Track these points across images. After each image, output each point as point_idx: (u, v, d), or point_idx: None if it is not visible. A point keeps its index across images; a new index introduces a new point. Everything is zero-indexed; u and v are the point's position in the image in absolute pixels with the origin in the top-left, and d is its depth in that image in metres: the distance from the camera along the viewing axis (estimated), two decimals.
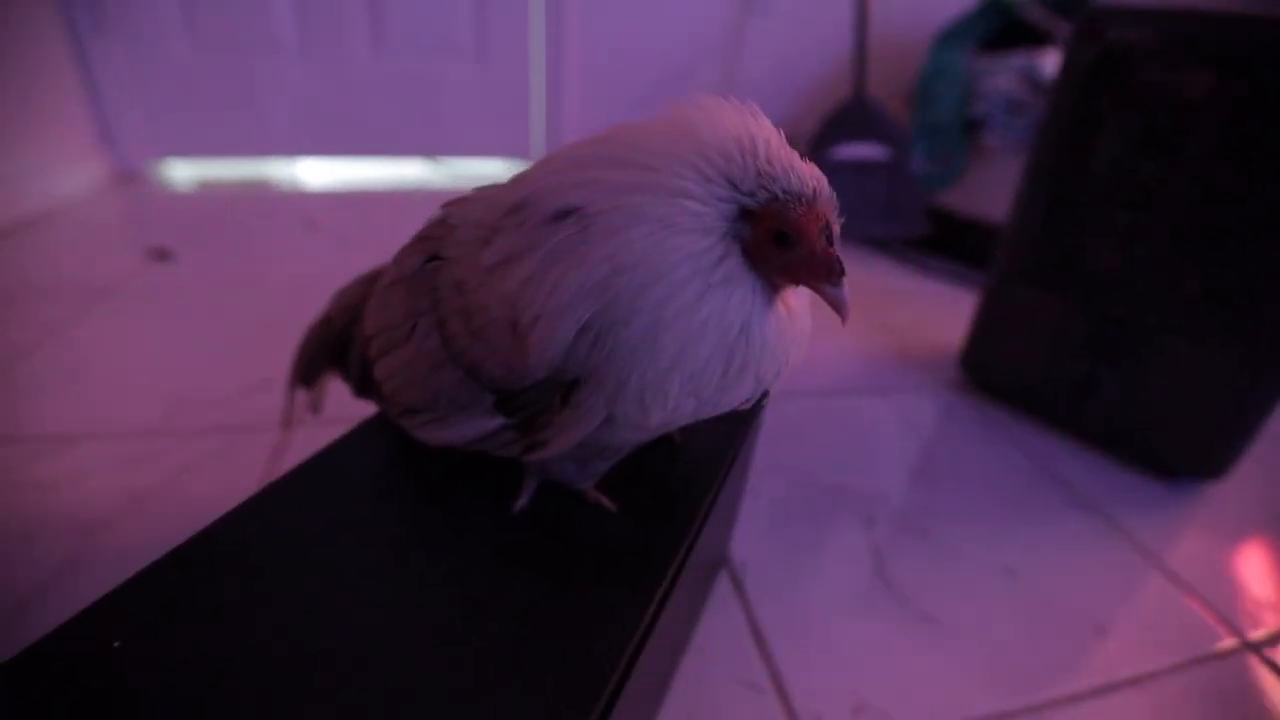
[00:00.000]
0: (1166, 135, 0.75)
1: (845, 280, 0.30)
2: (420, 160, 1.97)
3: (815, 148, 1.53)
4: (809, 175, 0.30)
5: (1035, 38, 1.50)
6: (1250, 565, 0.72)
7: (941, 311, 1.27)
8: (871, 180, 1.51)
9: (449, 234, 0.36)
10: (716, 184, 0.29)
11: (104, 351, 0.96)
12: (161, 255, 1.29)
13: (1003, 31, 1.58)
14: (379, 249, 0.54)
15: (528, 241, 0.31)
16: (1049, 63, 1.39)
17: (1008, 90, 1.47)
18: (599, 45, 1.84)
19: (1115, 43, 0.77)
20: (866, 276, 1.44)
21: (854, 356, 1.08)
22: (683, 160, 0.30)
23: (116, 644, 0.29)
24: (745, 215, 0.30)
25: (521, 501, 0.38)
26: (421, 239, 0.39)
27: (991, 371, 0.98)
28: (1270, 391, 0.73)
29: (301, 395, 0.59)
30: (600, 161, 0.31)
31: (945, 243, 1.52)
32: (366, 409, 0.48)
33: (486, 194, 0.36)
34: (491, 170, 1.99)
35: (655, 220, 0.29)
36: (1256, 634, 0.63)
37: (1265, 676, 0.59)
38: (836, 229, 0.31)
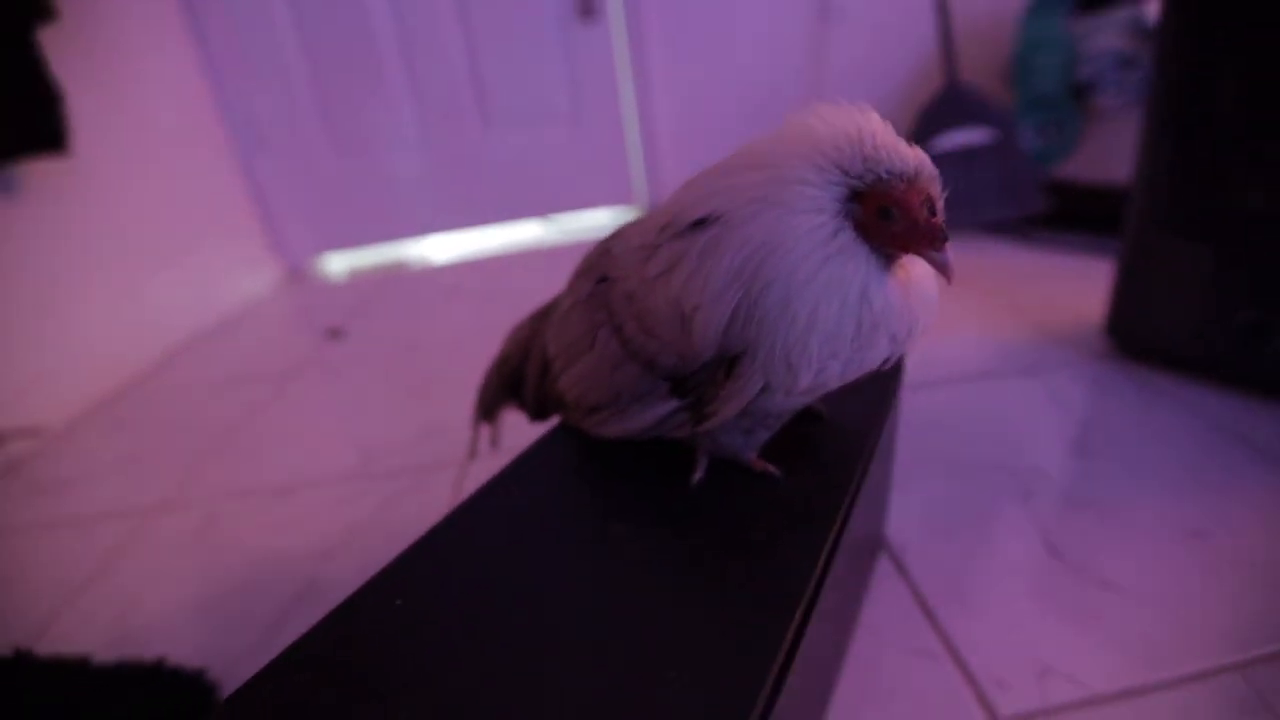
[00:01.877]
0: None
1: (949, 246, 0.34)
2: (535, 221, 2.14)
3: (915, 143, 1.51)
4: (910, 156, 0.34)
5: None
6: None
7: (1076, 285, 1.21)
8: (979, 165, 1.47)
9: (612, 259, 0.43)
10: (829, 171, 0.34)
11: (303, 416, 1.13)
12: (335, 334, 1.49)
13: None
14: (510, 303, 0.62)
15: (681, 249, 0.37)
16: (1156, 9, 1.31)
17: (1116, 46, 1.40)
18: (685, 85, 1.93)
19: None
20: (990, 262, 1.40)
21: (989, 341, 1.05)
22: (799, 155, 0.35)
23: (399, 601, 0.37)
24: (856, 196, 0.35)
25: (698, 475, 0.43)
26: (588, 268, 0.46)
27: (1142, 336, 0.92)
28: None
29: (484, 429, 0.68)
30: (729, 172, 0.37)
31: (1072, 215, 1.44)
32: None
33: (639, 223, 0.43)
34: (600, 220, 2.13)
35: (778, 206, 0.34)
36: None
37: None
38: (940, 202, 0.35)
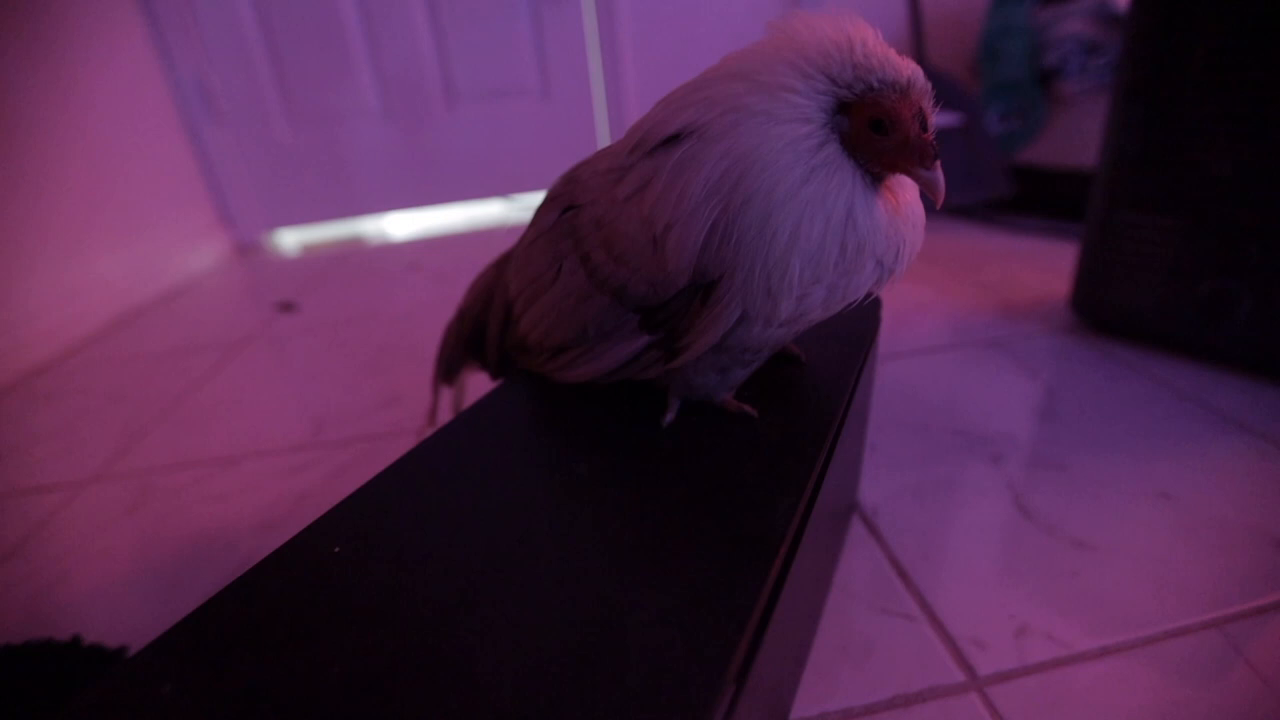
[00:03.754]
0: (1269, 16, 0.71)
1: (939, 165, 0.32)
2: (500, 199, 2.09)
3: None
4: (903, 66, 0.32)
5: None
6: None
7: (1041, 266, 1.22)
8: (946, 148, 1.47)
9: (579, 185, 0.40)
10: (815, 79, 0.32)
11: (251, 388, 1.07)
12: (287, 307, 1.42)
13: None
14: (470, 279, 0.59)
15: (654, 166, 0.34)
16: None
17: (1081, 33, 1.41)
18: (655, 62, 1.90)
19: None
20: (956, 243, 1.41)
21: (956, 317, 1.05)
22: (783, 62, 0.32)
23: (337, 549, 0.33)
24: (844, 109, 0.32)
25: (670, 416, 0.40)
26: (553, 197, 0.43)
27: (1107, 309, 0.93)
28: None
29: (445, 394, 0.65)
30: (706, 84, 0.34)
31: (1036, 199, 1.46)
32: None
33: (608, 149, 0.40)
34: None
35: (759, 114, 0.31)
36: None
37: None
38: (931, 117, 0.33)
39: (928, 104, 0.33)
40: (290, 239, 2.07)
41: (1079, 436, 0.73)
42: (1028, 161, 1.51)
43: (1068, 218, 1.32)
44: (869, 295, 0.35)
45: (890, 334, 0.99)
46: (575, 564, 0.31)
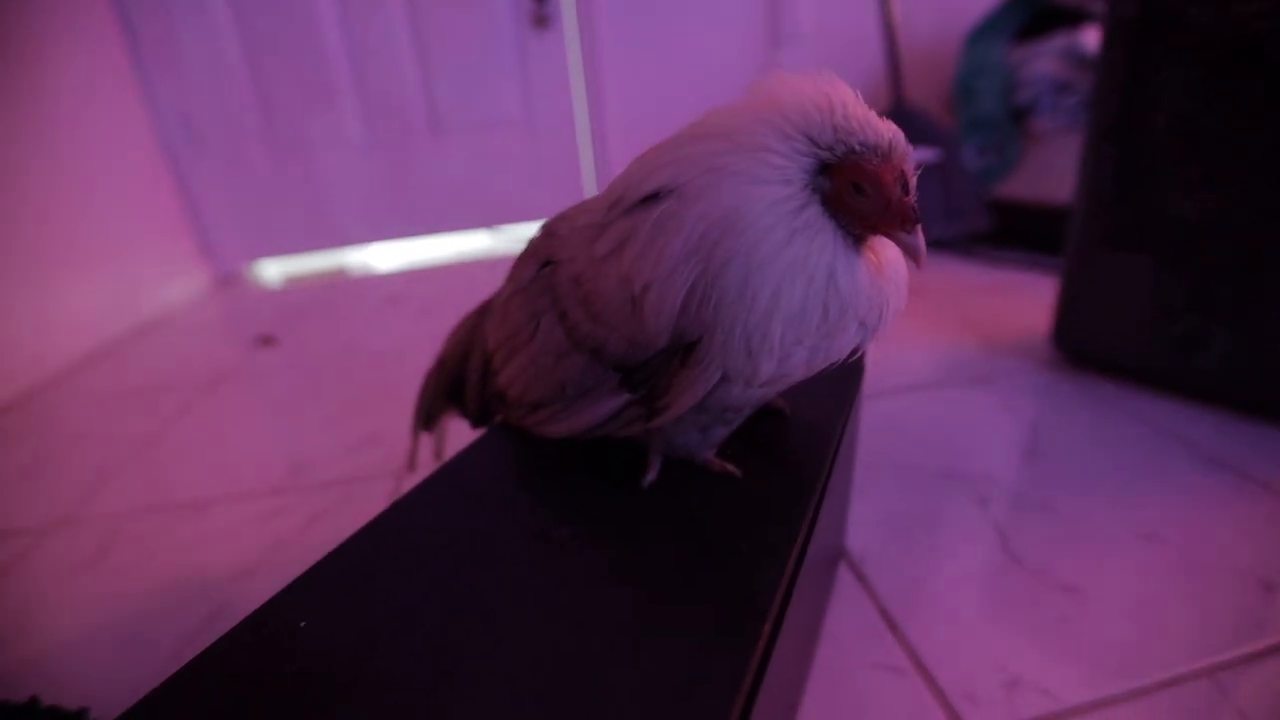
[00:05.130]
0: (1229, 73, 0.73)
1: (920, 229, 0.32)
2: (484, 230, 2.09)
3: None
4: (884, 129, 0.32)
5: (1072, 18, 1.49)
6: None
7: (1022, 299, 1.23)
8: (925, 183, 1.49)
9: (556, 241, 0.40)
10: (796, 140, 0.31)
11: (226, 427, 1.05)
12: (266, 341, 1.40)
13: (1037, 19, 1.58)
14: (456, 314, 0.58)
15: (631, 225, 0.34)
16: (1091, 38, 1.38)
17: (1052, 73, 1.46)
18: (638, 99, 1.93)
19: None
20: (938, 277, 1.42)
21: (939, 353, 1.06)
22: (764, 122, 0.32)
23: (303, 623, 0.32)
24: (825, 169, 0.32)
25: (651, 476, 0.39)
26: (531, 253, 0.42)
27: (1086, 345, 0.94)
28: None
29: (425, 439, 0.63)
30: (685, 141, 0.34)
31: (1012, 232, 1.49)
32: None
33: (586, 204, 0.39)
34: None
35: (740, 175, 0.31)
36: None
37: None
38: (913, 180, 0.33)
39: (909, 167, 0.32)
40: (272, 270, 2.05)
41: (1064, 476, 0.73)
42: (1004, 196, 1.54)
43: (1045, 251, 1.35)
44: (853, 354, 0.35)
45: (877, 370, 0.99)
46: (555, 635, 0.30)
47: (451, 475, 0.43)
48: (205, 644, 0.56)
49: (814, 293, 0.32)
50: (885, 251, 0.35)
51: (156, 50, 1.72)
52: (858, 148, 0.31)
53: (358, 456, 0.90)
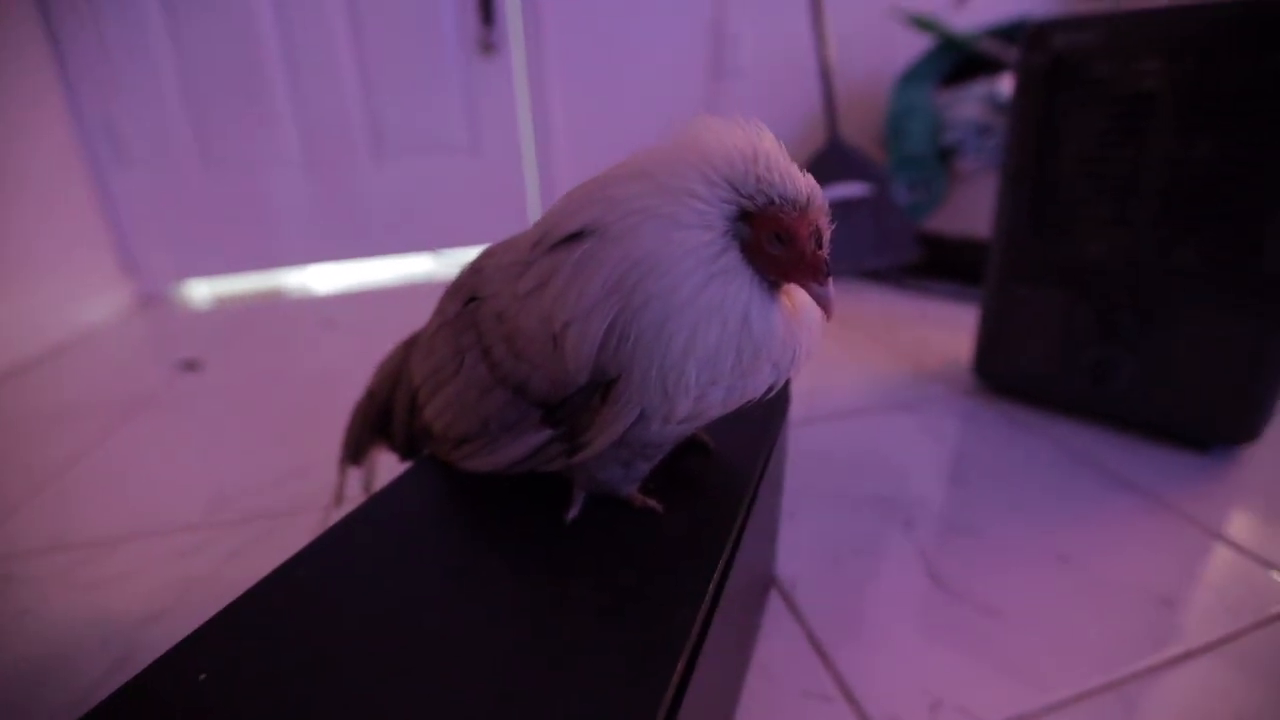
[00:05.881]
0: (1128, 123, 0.79)
1: (830, 281, 0.33)
2: (426, 254, 2.06)
3: None
4: (804, 184, 0.33)
5: (992, 67, 1.59)
6: None
7: (947, 328, 1.29)
8: (858, 217, 1.57)
9: (482, 278, 0.40)
10: (719, 186, 0.32)
11: (143, 458, 0.99)
12: (190, 366, 1.34)
13: (961, 66, 1.68)
14: (392, 338, 0.57)
15: (554, 263, 0.34)
16: (1007, 85, 1.47)
17: (974, 116, 1.55)
18: (583, 127, 1.95)
19: (1063, 48, 0.82)
20: (869, 306, 1.47)
21: (868, 380, 1.10)
22: (689, 165, 0.33)
23: (202, 676, 0.30)
24: (745, 217, 0.33)
25: (573, 511, 0.39)
26: (458, 287, 0.42)
27: (1005, 373, 0.99)
28: None
29: (353, 473, 0.61)
30: (610, 182, 0.34)
31: (940, 264, 1.56)
32: None
33: (512, 240, 0.40)
34: None
35: (662, 218, 0.32)
36: None
37: None
38: (827, 234, 0.34)
39: (824, 221, 0.34)
40: (201, 290, 1.97)
41: (985, 499, 0.76)
42: (932, 230, 1.61)
43: (970, 282, 1.41)
44: (768, 392, 0.36)
45: (809, 397, 1.01)
46: (471, 678, 0.29)
47: (375, 510, 0.42)
48: (111, 689, 0.53)
49: (728, 335, 0.32)
50: (799, 296, 0.36)
51: (84, 58, 1.65)
52: (777, 199, 0.32)
53: (282, 489, 0.86)
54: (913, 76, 1.71)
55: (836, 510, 0.74)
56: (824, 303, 0.34)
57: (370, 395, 0.57)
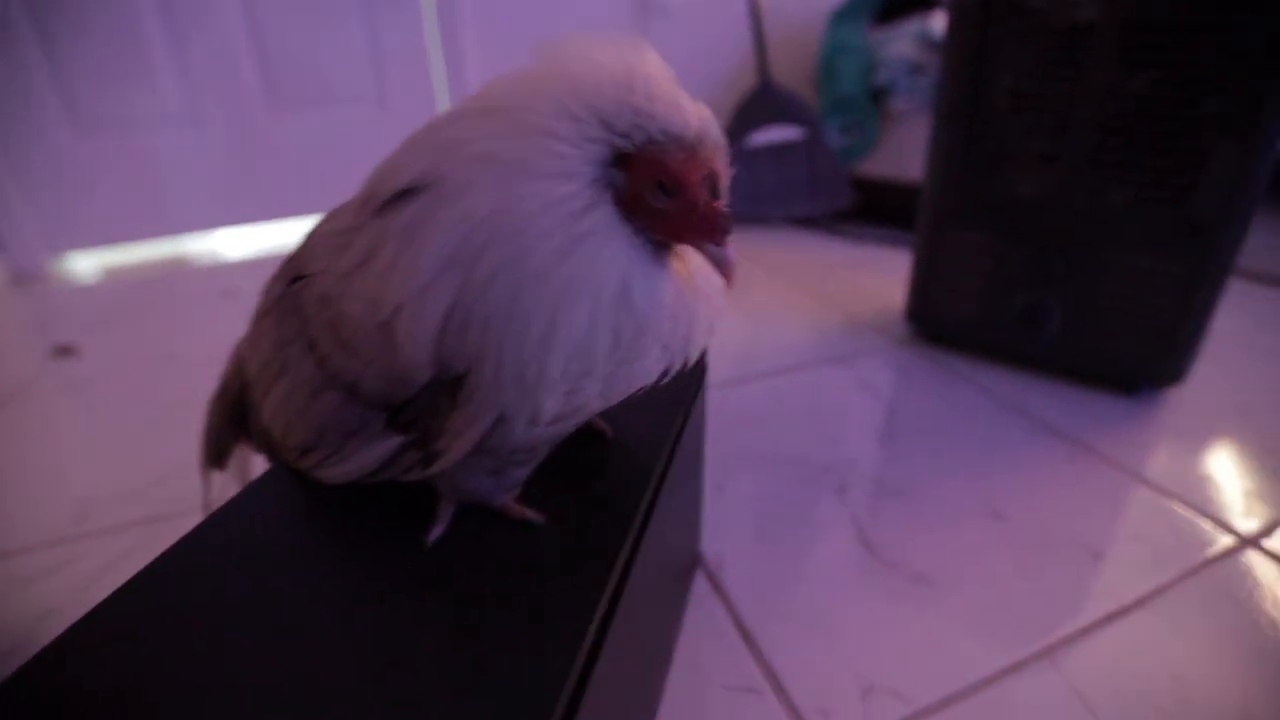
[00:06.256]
0: (1065, 55, 0.75)
1: (731, 238, 0.27)
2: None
3: (730, 138, 1.52)
4: (694, 115, 0.26)
5: (925, 3, 1.53)
6: (1227, 461, 0.71)
7: (881, 275, 1.26)
8: (790, 161, 1.51)
9: (307, 251, 0.32)
10: (585, 122, 0.25)
11: (5, 462, 0.87)
12: (64, 352, 1.20)
13: (894, 2, 1.62)
14: None
15: (381, 230, 0.27)
16: (940, 23, 1.42)
17: (906, 55, 1.49)
18: (501, 67, 1.81)
19: None
20: (800, 255, 1.43)
21: (801, 332, 1.06)
22: (546, 96, 0.25)
23: None
24: (620, 161, 0.26)
25: (437, 530, 0.33)
26: (287, 261, 0.35)
27: (938, 320, 0.96)
28: (1212, 288, 0.73)
29: (221, 476, 0.54)
30: (454, 119, 0.27)
31: (873, 209, 1.52)
32: None
33: (343, 205, 0.32)
34: None
35: (508, 165, 0.25)
36: (1250, 526, 0.61)
37: (1268, 568, 0.57)
38: (725, 179, 0.27)
39: (721, 163, 0.27)
40: (86, 264, 1.78)
41: (918, 455, 0.73)
42: (865, 174, 1.57)
43: (903, 227, 1.38)
44: (662, 378, 0.30)
45: (736, 355, 0.97)
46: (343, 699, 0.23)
47: (224, 523, 0.36)
48: None
49: (601, 313, 0.26)
50: (693, 258, 0.30)
51: None
52: (659, 136, 0.25)
53: (160, 490, 0.77)
54: (845, 14, 1.64)
55: (766, 477, 0.71)
56: (724, 267, 0.27)
57: (224, 389, 0.49)
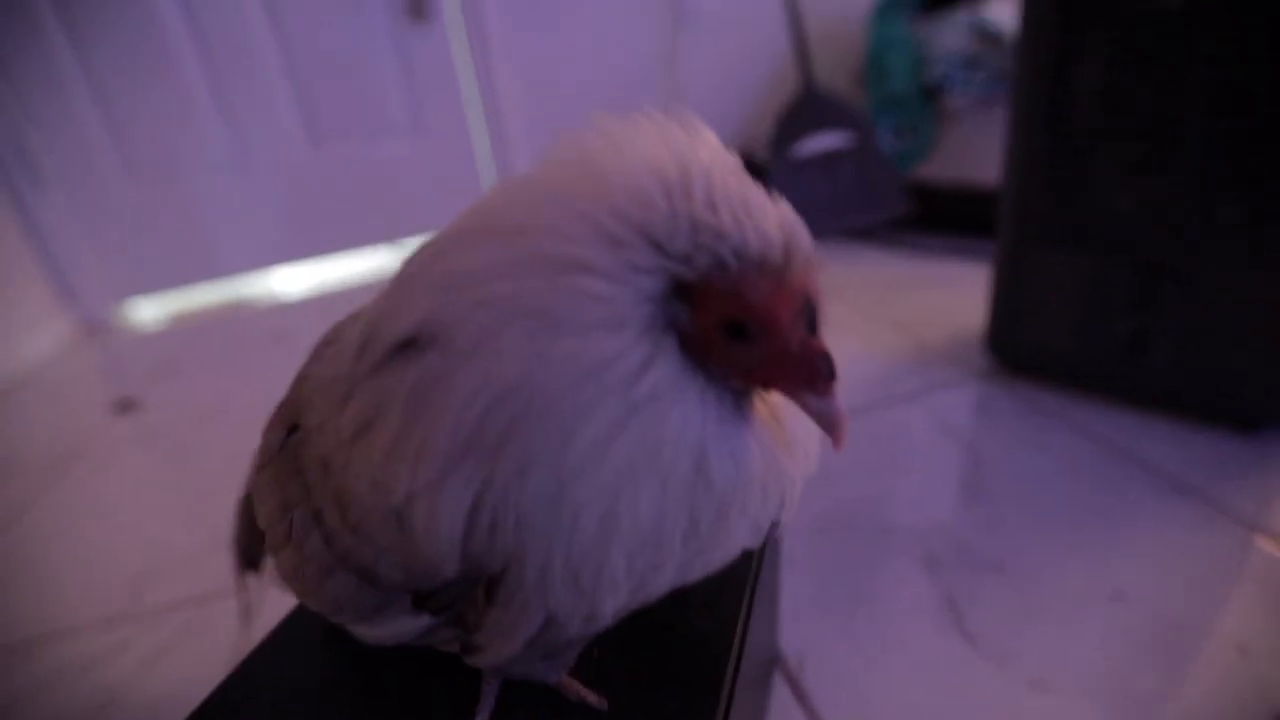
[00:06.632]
0: (1157, 52, 0.66)
1: (836, 385, 0.21)
2: (383, 246, 1.91)
3: (775, 149, 1.45)
4: (775, 223, 0.20)
5: None
6: None
7: (951, 293, 1.17)
8: (840, 169, 1.42)
9: (304, 395, 0.28)
10: (630, 246, 0.19)
11: (63, 533, 0.88)
12: (125, 406, 1.22)
13: None
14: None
15: (381, 392, 0.22)
16: (996, 11, 1.32)
17: (960, 47, 1.39)
18: (535, 92, 1.78)
19: None
20: (860, 272, 1.35)
21: (866, 364, 0.98)
22: (574, 213, 0.20)
23: None
24: (681, 291, 0.20)
25: (482, 715, 0.28)
26: (282, 404, 0.31)
27: (1023, 350, 0.87)
28: None
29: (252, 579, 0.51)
30: (457, 240, 0.21)
31: (935, 217, 1.43)
32: None
33: (350, 329, 0.27)
34: None
35: (531, 316, 0.19)
36: None
37: None
38: (823, 308, 0.21)
39: (816, 284, 0.21)
40: (151, 310, 1.83)
41: (1013, 518, 0.65)
42: (923, 179, 1.47)
43: (970, 235, 1.29)
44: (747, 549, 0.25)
45: None
46: None
47: (247, 679, 0.32)
48: None
49: (673, 496, 0.20)
50: (781, 403, 0.24)
51: None
52: (730, 260, 0.19)
53: (215, 559, 0.75)
54: (889, 6, 1.55)
55: (844, 549, 0.64)
56: (831, 425, 0.21)
57: (248, 496, 0.45)
